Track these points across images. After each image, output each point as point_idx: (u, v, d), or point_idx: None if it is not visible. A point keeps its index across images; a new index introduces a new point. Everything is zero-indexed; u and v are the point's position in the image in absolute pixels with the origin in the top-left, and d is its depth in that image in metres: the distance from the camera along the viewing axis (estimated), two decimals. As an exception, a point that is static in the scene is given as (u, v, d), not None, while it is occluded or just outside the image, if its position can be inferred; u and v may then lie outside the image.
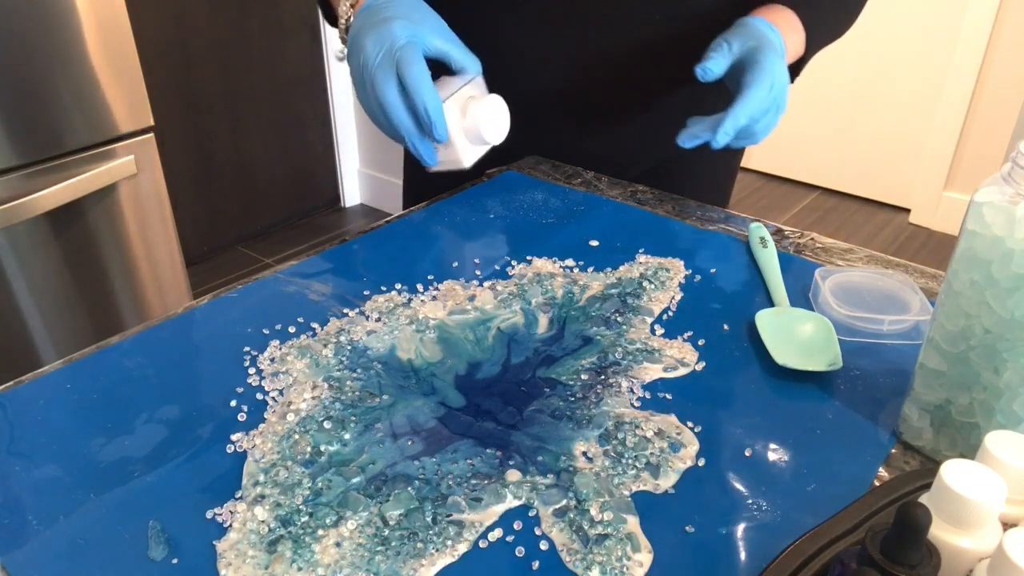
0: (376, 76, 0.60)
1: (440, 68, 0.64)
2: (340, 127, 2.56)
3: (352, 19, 0.65)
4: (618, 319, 0.56)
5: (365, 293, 0.59)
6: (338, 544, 0.38)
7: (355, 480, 0.42)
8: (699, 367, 0.52)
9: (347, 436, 0.45)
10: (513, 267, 0.63)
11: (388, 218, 0.71)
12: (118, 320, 1.44)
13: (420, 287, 0.60)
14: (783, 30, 0.68)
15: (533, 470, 0.43)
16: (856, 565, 0.31)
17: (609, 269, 0.62)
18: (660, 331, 0.55)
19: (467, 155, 0.65)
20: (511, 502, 0.41)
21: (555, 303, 0.58)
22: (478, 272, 0.62)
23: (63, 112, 1.23)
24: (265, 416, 0.47)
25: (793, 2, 0.72)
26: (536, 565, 0.38)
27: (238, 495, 0.41)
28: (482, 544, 0.39)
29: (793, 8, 0.71)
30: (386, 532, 0.39)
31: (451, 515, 0.40)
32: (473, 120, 0.63)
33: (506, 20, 0.76)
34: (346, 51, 0.65)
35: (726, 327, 0.56)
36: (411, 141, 0.61)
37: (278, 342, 0.53)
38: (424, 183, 0.80)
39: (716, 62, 0.61)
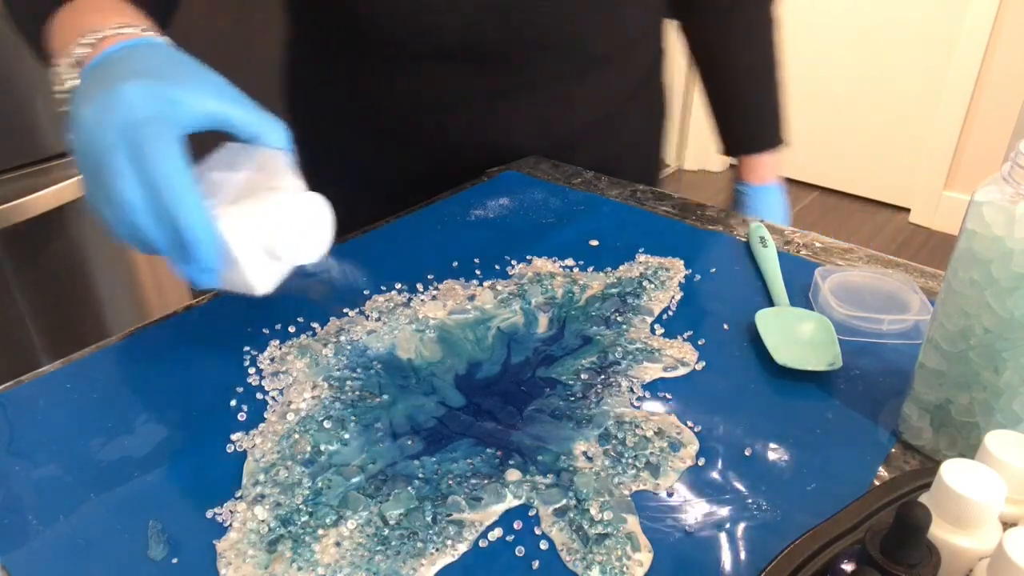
0: (104, 169, 0.39)
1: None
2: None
3: (76, 82, 0.45)
4: (618, 319, 0.56)
5: (365, 293, 0.59)
6: (338, 544, 0.38)
7: (355, 480, 0.42)
8: (699, 367, 0.52)
9: (347, 436, 0.45)
10: (513, 267, 0.63)
11: (388, 218, 0.71)
12: (118, 320, 1.44)
13: (420, 287, 0.60)
14: (770, 175, 0.85)
15: (533, 470, 0.43)
16: (856, 565, 0.31)
17: (609, 269, 0.62)
18: (660, 331, 0.55)
19: (262, 278, 0.44)
20: (511, 502, 0.41)
21: (555, 303, 0.58)
22: (478, 272, 0.62)
23: (60, 114, 1.23)
24: (265, 416, 0.47)
25: (759, 112, 0.86)
26: (536, 565, 0.38)
27: (238, 495, 0.41)
28: (482, 544, 0.39)
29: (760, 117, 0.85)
30: (386, 532, 0.39)
31: (451, 515, 0.40)
32: (272, 233, 0.43)
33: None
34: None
35: (726, 327, 0.56)
36: (170, 262, 0.42)
37: (278, 342, 0.53)
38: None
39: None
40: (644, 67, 0.83)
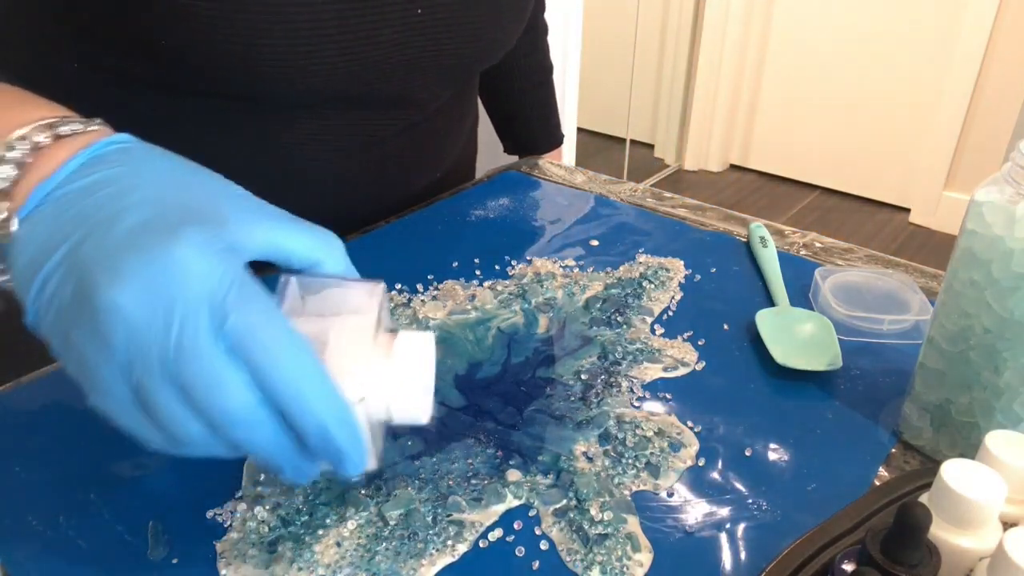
0: (186, 373, 0.28)
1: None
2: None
3: (14, 228, 0.30)
4: (618, 319, 0.56)
5: (365, 293, 0.59)
6: (338, 544, 0.38)
7: (355, 480, 0.42)
8: (699, 367, 0.52)
9: (347, 436, 0.45)
10: (513, 267, 0.63)
11: (388, 218, 0.71)
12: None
13: (420, 287, 0.60)
14: None
15: (533, 470, 0.43)
16: (856, 565, 0.31)
17: (609, 269, 0.62)
18: (660, 331, 0.55)
19: (373, 457, 0.33)
20: (511, 502, 0.41)
21: (555, 303, 0.58)
22: (478, 272, 0.62)
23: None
24: (265, 416, 0.47)
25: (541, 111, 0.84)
26: (536, 565, 0.38)
27: (238, 495, 0.41)
28: (482, 544, 0.39)
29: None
30: (386, 532, 0.39)
31: (451, 515, 0.40)
32: (397, 397, 0.33)
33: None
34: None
35: (726, 327, 0.56)
36: (287, 468, 0.31)
37: (278, 342, 0.53)
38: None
39: None
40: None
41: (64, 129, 0.32)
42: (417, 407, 0.33)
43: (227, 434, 0.29)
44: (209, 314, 0.28)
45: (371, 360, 0.32)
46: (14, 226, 0.30)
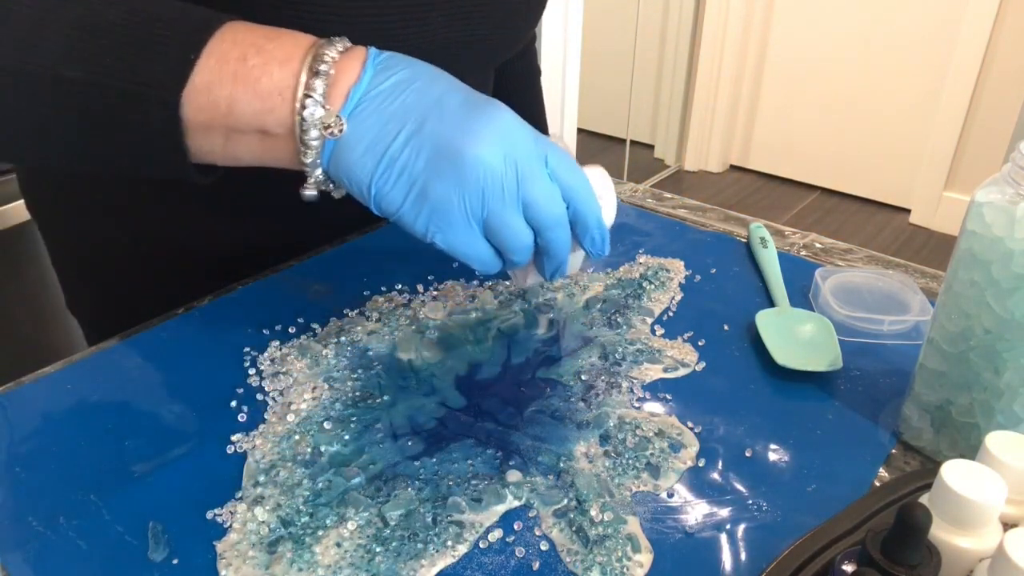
0: (528, 189, 0.40)
1: None
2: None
3: (342, 129, 0.38)
4: (618, 319, 0.56)
5: (365, 293, 0.59)
6: (338, 544, 0.38)
7: (355, 480, 0.42)
8: (699, 367, 0.52)
9: (347, 437, 0.45)
10: (513, 267, 0.63)
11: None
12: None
13: (420, 287, 0.60)
14: None
15: (533, 470, 0.43)
16: (857, 566, 0.31)
17: (609, 270, 0.62)
18: (660, 331, 0.55)
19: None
20: (511, 502, 0.41)
21: (555, 304, 0.58)
22: (478, 272, 0.62)
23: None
24: (265, 416, 0.47)
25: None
26: (536, 565, 0.38)
27: (238, 495, 0.41)
28: (482, 544, 0.39)
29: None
30: (386, 532, 0.39)
31: (451, 515, 0.40)
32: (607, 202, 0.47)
33: None
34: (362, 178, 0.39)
35: (726, 327, 0.56)
36: (564, 263, 0.44)
37: (278, 342, 0.53)
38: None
39: None
40: None
41: (339, 46, 0.40)
42: (614, 208, 0.47)
43: (549, 234, 0.41)
44: (536, 154, 0.40)
45: (598, 184, 0.45)
46: (344, 124, 0.38)
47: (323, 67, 0.38)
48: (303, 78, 0.38)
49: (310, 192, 0.41)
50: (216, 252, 0.64)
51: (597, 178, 0.46)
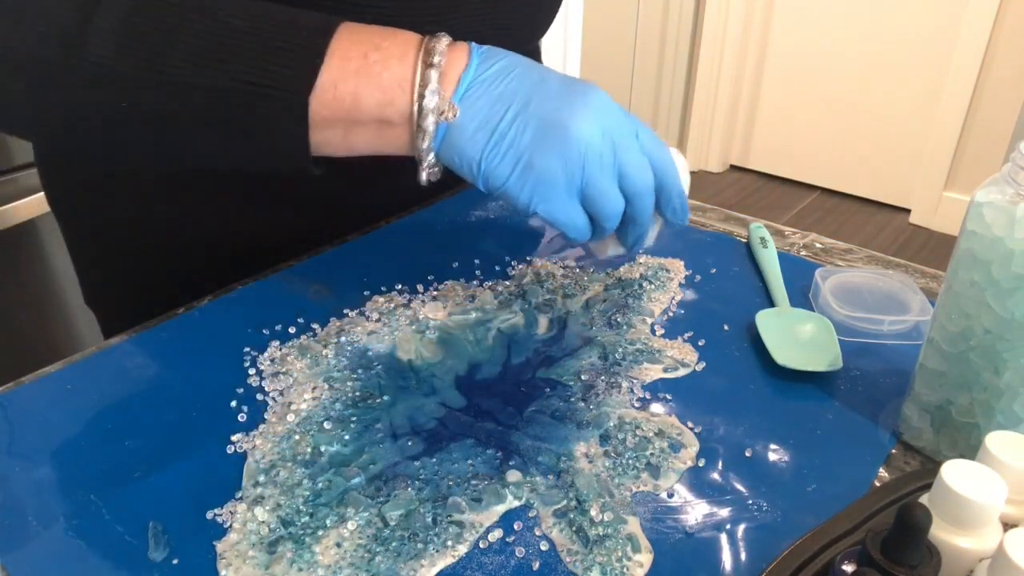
0: (624, 159, 0.45)
1: None
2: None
3: (455, 113, 0.43)
4: (618, 319, 0.56)
5: (365, 293, 0.59)
6: (338, 544, 0.38)
7: (355, 480, 0.42)
8: (699, 367, 0.52)
9: (347, 437, 0.45)
10: (513, 267, 0.63)
11: (388, 219, 0.71)
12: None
13: (420, 287, 0.60)
14: None
15: (533, 470, 0.43)
16: (856, 566, 0.31)
17: (609, 269, 0.62)
18: (660, 331, 0.55)
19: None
20: (511, 502, 0.41)
21: (555, 304, 0.58)
22: (478, 272, 0.62)
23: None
24: (265, 416, 0.47)
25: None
26: (536, 565, 0.38)
27: (238, 495, 0.41)
28: (482, 544, 0.39)
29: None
30: (386, 532, 0.39)
31: (451, 516, 0.40)
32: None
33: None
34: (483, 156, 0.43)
35: (726, 327, 0.56)
36: (647, 230, 0.50)
37: (278, 342, 0.53)
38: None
39: None
40: None
41: (444, 40, 0.43)
42: (688, 181, 0.51)
43: (639, 201, 0.46)
44: (629, 129, 0.44)
45: (677, 160, 0.49)
46: (457, 109, 0.43)
47: (436, 59, 0.42)
48: (419, 70, 0.42)
49: (426, 176, 0.45)
50: (231, 241, 0.65)
51: (675, 154, 0.50)
